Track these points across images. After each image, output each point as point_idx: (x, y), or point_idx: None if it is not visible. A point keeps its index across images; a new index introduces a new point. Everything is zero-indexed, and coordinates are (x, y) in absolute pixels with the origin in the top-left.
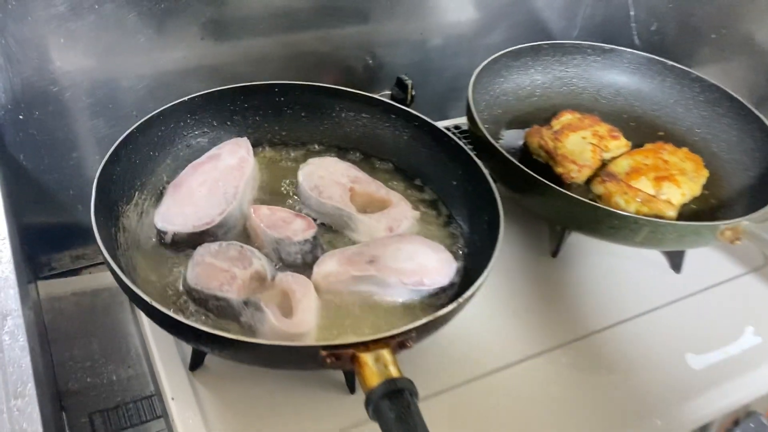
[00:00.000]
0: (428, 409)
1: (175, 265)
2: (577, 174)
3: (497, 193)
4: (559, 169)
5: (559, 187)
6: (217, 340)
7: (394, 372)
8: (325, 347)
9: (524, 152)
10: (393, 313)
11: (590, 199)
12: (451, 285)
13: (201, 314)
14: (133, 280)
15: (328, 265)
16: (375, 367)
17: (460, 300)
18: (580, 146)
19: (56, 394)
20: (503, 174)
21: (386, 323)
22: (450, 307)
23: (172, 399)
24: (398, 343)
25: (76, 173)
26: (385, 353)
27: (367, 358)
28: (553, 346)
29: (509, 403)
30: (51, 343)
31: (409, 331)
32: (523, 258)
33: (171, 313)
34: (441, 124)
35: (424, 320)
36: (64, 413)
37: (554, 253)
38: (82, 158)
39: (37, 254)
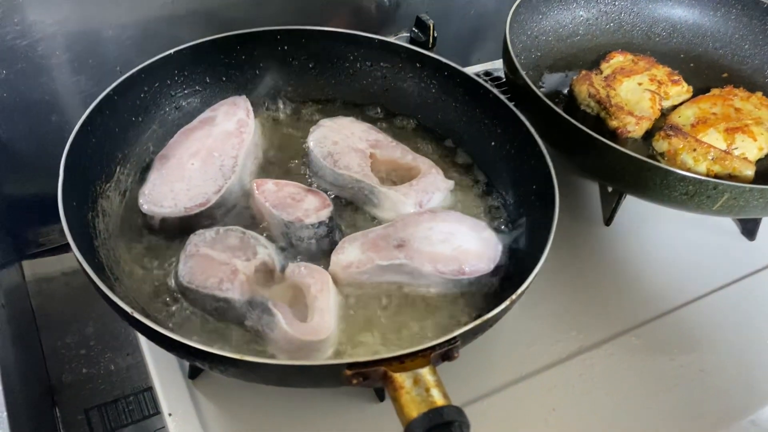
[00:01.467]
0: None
1: (167, 255)
2: (635, 128)
3: (549, 157)
4: (614, 122)
5: (613, 142)
6: (215, 359)
7: (438, 398)
8: (350, 365)
9: (569, 102)
10: (428, 308)
11: (649, 156)
12: (496, 269)
13: (199, 317)
14: (115, 276)
15: (348, 253)
16: (414, 392)
17: (513, 297)
18: (636, 94)
19: (47, 389)
20: (547, 128)
21: (420, 323)
22: (502, 306)
23: (170, 415)
24: (440, 354)
25: (58, 138)
26: (426, 373)
27: (402, 379)
28: (612, 334)
29: (567, 406)
30: (40, 330)
31: (453, 339)
32: (572, 227)
33: (157, 327)
34: (468, 71)
35: (470, 325)
36: (56, 409)
37: (608, 221)
38: (64, 122)
39: (23, 230)
